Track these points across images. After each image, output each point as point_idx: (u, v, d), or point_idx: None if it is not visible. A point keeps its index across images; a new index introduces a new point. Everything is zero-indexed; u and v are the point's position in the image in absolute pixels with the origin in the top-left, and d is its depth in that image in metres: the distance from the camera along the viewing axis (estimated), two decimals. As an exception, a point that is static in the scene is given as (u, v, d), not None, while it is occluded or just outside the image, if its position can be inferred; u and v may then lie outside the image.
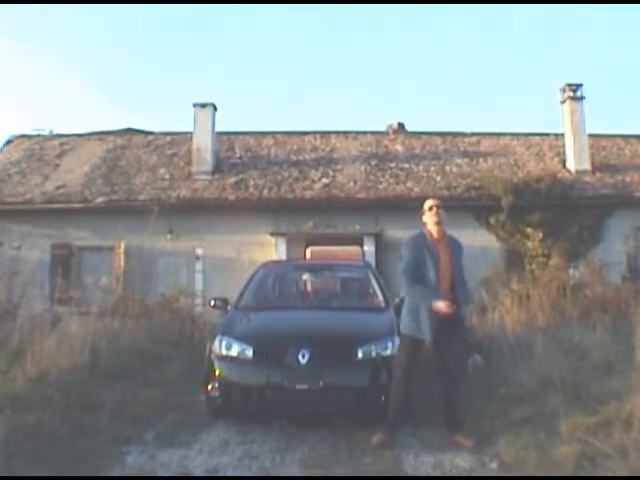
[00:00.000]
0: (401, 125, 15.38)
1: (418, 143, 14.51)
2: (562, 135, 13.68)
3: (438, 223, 4.44)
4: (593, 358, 5.56)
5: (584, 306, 8.48)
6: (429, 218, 4.48)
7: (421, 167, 13.29)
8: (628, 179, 12.85)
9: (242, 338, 4.90)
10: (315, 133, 14.91)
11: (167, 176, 13.03)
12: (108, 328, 7.22)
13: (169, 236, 11.93)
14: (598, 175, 12.95)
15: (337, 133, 14.92)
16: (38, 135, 15.40)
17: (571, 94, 13.33)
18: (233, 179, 12.80)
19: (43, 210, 12.06)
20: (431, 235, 4.46)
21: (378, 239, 11.71)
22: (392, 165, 13.38)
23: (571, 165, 13.15)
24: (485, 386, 5.58)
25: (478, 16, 44.70)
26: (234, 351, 4.82)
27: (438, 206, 4.47)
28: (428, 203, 4.55)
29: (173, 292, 10.10)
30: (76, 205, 12.07)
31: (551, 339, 6.13)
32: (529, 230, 11.51)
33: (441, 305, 4.16)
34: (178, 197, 12.25)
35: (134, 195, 12.31)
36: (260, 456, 4.17)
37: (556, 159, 13.63)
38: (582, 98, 13.34)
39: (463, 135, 14.84)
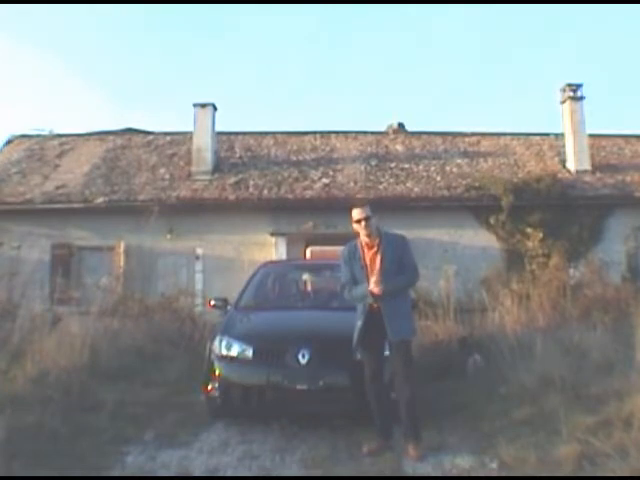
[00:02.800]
0: (401, 125, 15.37)
1: (418, 143, 14.49)
2: (562, 135, 13.66)
3: (368, 235, 4.34)
4: (593, 358, 5.55)
5: (584, 306, 8.49)
6: (360, 230, 4.37)
7: (421, 167, 13.28)
8: (628, 179, 12.83)
9: (242, 338, 4.90)
10: (315, 133, 14.88)
11: (167, 176, 13.02)
12: (108, 328, 7.22)
13: (169, 236, 11.92)
14: (598, 175, 12.94)
15: (337, 133, 14.89)
16: (38, 135, 15.37)
17: (571, 94, 13.32)
18: (233, 179, 12.79)
19: (43, 210, 12.05)
20: (362, 245, 4.39)
21: (378, 239, 11.69)
22: (392, 165, 13.37)
23: (571, 165, 13.15)
24: (485, 386, 5.58)
25: (478, 16, 44.69)
26: (234, 351, 4.82)
27: (367, 218, 4.31)
28: (355, 215, 4.35)
29: (173, 292, 10.11)
30: (76, 205, 12.06)
31: (551, 339, 6.12)
32: (529, 230, 11.53)
33: (372, 286, 4.16)
34: (178, 197, 12.24)
35: (134, 195, 12.30)
36: (260, 456, 4.17)
37: (556, 159, 13.62)
38: (582, 98, 13.33)
39: (463, 135, 14.81)
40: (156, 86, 46.46)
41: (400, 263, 4.31)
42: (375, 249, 4.34)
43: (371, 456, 4.13)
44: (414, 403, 4.21)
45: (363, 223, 4.32)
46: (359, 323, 4.33)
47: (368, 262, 4.32)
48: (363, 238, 4.39)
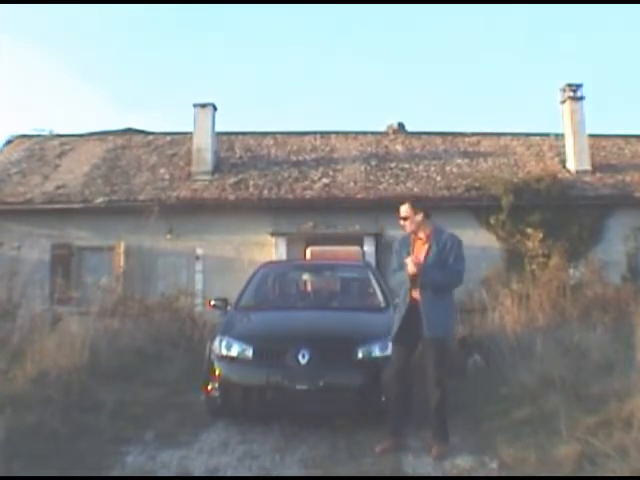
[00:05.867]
0: (401, 125, 15.37)
1: (418, 143, 14.49)
2: (562, 135, 13.66)
3: (414, 232, 4.47)
4: (593, 358, 5.56)
5: (584, 306, 8.49)
6: (404, 226, 4.54)
7: (421, 167, 13.28)
8: (628, 179, 12.83)
9: (242, 338, 4.90)
10: (315, 133, 14.89)
11: (167, 176, 13.02)
12: (108, 328, 7.22)
13: (169, 236, 11.92)
14: (598, 175, 12.94)
15: (337, 133, 14.90)
16: (38, 135, 15.38)
17: (571, 94, 13.32)
18: (233, 179, 12.79)
19: (43, 210, 12.05)
20: (414, 237, 4.51)
21: (378, 239, 11.70)
22: (392, 165, 13.37)
23: (571, 165, 13.14)
24: (485, 386, 5.58)
25: (478, 16, 44.72)
26: (234, 351, 4.82)
27: (404, 218, 4.49)
28: (400, 213, 4.57)
29: (173, 292, 10.11)
30: (76, 205, 12.05)
31: (551, 339, 6.13)
32: (529, 230, 11.52)
33: (409, 265, 4.24)
34: (178, 197, 12.24)
35: (134, 195, 12.30)
36: (260, 456, 4.17)
37: (556, 159, 13.61)
38: (582, 98, 13.33)
39: (463, 135, 14.82)
40: (156, 86, 46.52)
41: (445, 262, 4.32)
42: (423, 241, 4.43)
43: (383, 455, 4.11)
44: (445, 405, 4.22)
45: (401, 222, 4.53)
46: (400, 314, 4.36)
47: (415, 253, 4.38)
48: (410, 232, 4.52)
